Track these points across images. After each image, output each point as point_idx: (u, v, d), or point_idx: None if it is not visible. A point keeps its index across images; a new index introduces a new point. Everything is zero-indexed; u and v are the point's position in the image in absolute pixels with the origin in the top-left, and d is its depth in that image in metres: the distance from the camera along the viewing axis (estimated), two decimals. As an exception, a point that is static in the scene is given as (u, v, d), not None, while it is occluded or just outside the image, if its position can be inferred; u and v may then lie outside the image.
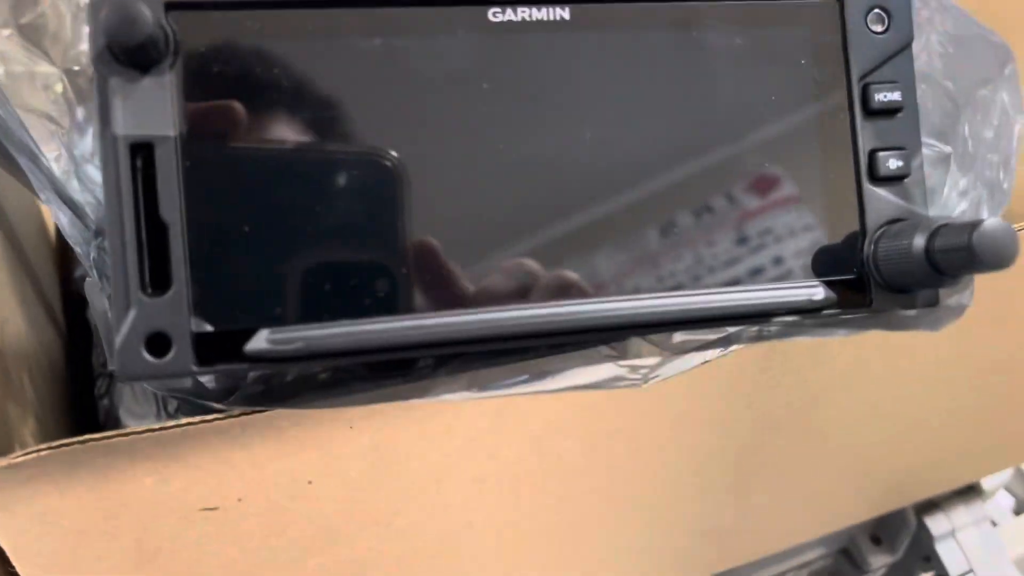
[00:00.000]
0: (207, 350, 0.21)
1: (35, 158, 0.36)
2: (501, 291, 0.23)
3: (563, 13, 0.23)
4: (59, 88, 0.43)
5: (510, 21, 0.23)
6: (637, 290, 0.24)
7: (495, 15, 0.23)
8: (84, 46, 0.43)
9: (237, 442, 0.26)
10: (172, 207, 0.21)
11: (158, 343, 0.21)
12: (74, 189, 0.41)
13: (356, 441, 0.28)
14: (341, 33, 0.22)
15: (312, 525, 0.31)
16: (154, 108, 0.21)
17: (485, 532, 0.35)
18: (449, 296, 0.23)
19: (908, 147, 0.25)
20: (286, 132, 0.22)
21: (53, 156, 0.40)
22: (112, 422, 0.38)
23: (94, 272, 0.37)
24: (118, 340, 0.21)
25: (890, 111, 0.25)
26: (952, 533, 0.59)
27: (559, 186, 0.23)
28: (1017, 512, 0.72)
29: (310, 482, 0.29)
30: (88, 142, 0.43)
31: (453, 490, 0.32)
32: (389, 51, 0.22)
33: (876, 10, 0.25)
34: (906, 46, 0.25)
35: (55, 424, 0.37)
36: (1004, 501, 0.73)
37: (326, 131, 0.22)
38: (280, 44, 0.22)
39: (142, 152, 0.21)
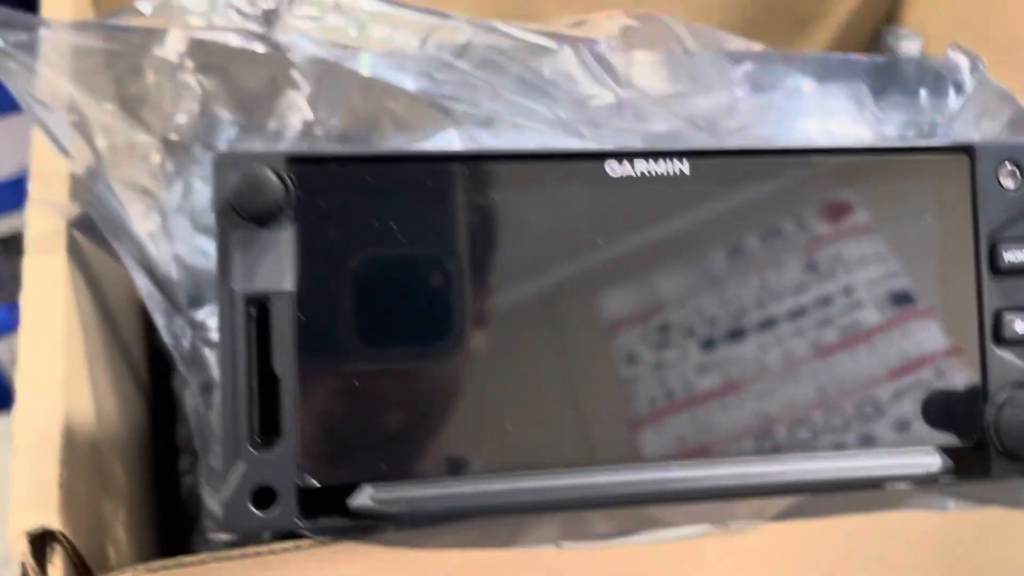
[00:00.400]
0: (311, 504, 0.21)
1: (126, 230, 0.37)
2: (613, 451, 0.22)
3: (684, 167, 0.23)
4: (156, 159, 0.44)
5: (628, 176, 0.23)
6: (755, 445, 0.23)
7: (612, 170, 0.23)
8: (183, 118, 0.44)
9: (326, 563, 0.26)
10: (285, 361, 0.21)
11: (264, 497, 0.21)
12: (163, 261, 0.42)
13: (442, 565, 0.28)
14: (456, 187, 0.22)
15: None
16: (272, 262, 0.21)
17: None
18: (552, 454, 0.22)
19: (1037, 308, 0.24)
20: (398, 286, 0.22)
21: (145, 229, 0.41)
22: (194, 500, 0.38)
23: (174, 352, 0.38)
24: (226, 493, 0.21)
25: (1019, 271, 0.24)
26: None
27: (674, 339, 0.23)
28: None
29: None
30: (181, 216, 0.43)
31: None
32: (504, 204, 0.22)
33: (1008, 165, 0.24)
34: (1039, 202, 0.24)
35: (142, 507, 0.38)
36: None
37: (439, 284, 0.22)
38: (397, 197, 0.22)
39: (258, 305, 0.21)
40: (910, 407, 0.24)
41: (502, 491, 0.22)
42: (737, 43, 0.41)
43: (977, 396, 0.24)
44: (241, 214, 0.21)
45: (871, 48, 0.71)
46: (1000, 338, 0.24)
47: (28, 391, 0.27)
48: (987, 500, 0.24)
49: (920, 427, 0.24)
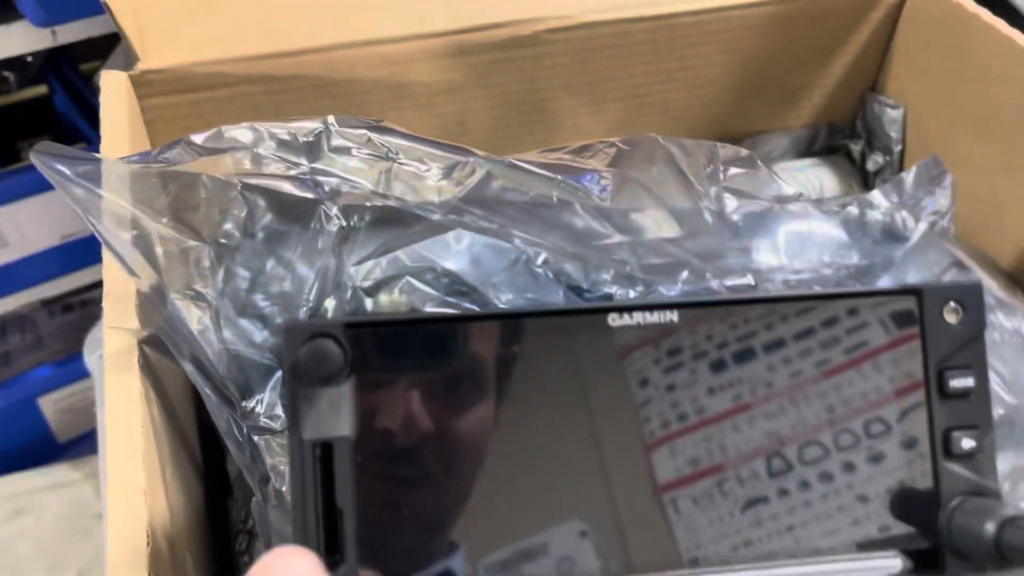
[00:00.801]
0: (371, 617, 0.26)
1: (185, 336, 0.42)
2: (615, 561, 0.27)
3: (672, 317, 0.27)
4: (206, 263, 0.49)
5: (626, 325, 0.27)
6: (740, 553, 0.27)
7: (613, 320, 0.27)
8: (229, 225, 0.49)
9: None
10: (346, 496, 0.26)
11: (333, 610, 0.25)
12: (215, 356, 0.47)
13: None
14: (483, 342, 0.26)
15: None
16: (333, 414, 0.26)
17: None
18: (583, 567, 0.26)
19: (980, 426, 0.28)
20: (441, 428, 0.26)
21: (197, 328, 0.46)
22: (251, 580, 0.42)
23: (232, 446, 0.42)
24: (300, 608, 0.25)
25: (964, 394, 0.28)
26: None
27: (673, 465, 0.27)
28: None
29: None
30: (225, 301, 0.48)
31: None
32: (528, 354, 0.27)
33: (951, 303, 0.28)
34: (979, 334, 0.28)
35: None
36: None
37: (474, 426, 0.26)
38: (437, 354, 0.26)
39: (322, 449, 0.26)
40: (875, 517, 0.28)
41: (529, 599, 0.26)
42: (725, 152, 0.45)
43: (932, 505, 0.28)
44: (307, 375, 0.25)
45: (856, 115, 0.75)
46: (950, 453, 0.28)
47: (117, 500, 0.32)
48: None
49: (883, 534, 0.28)
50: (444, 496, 0.26)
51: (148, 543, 0.31)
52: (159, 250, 0.43)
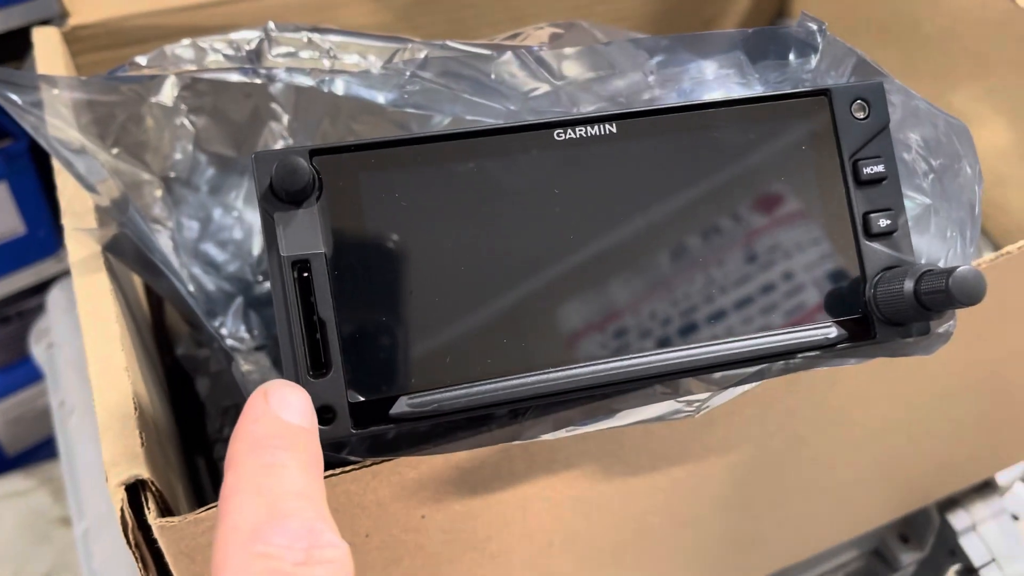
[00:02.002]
0: (360, 416, 0.28)
1: (157, 248, 0.43)
2: (578, 351, 0.29)
3: (612, 128, 0.30)
4: (159, 193, 0.50)
5: (571, 138, 0.30)
6: (689, 337, 0.30)
7: (558, 135, 0.29)
8: (178, 156, 0.50)
9: (368, 487, 0.32)
10: (326, 308, 0.27)
11: (325, 414, 0.27)
12: (186, 277, 0.48)
13: (460, 480, 0.34)
14: (443, 161, 0.29)
15: (422, 553, 0.37)
16: (308, 233, 0.27)
17: (563, 550, 0.41)
18: (541, 358, 0.29)
19: (894, 208, 0.31)
20: (407, 240, 0.28)
21: (168, 250, 0.47)
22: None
23: (217, 344, 0.43)
24: (293, 414, 0.27)
25: (877, 180, 0.31)
26: (973, 527, 0.64)
27: (619, 263, 0.30)
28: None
29: (423, 517, 0.35)
30: (182, 247, 0.49)
31: (536, 515, 0.38)
32: (481, 171, 0.29)
33: (858, 101, 0.31)
34: (884, 127, 0.31)
35: (195, 487, 0.43)
36: (1017, 488, 0.78)
37: (437, 237, 0.28)
38: (397, 173, 0.28)
39: (300, 266, 0.27)
40: (811, 295, 0.31)
41: (505, 387, 0.28)
42: (648, 40, 0.48)
43: (858, 280, 0.31)
44: (280, 197, 0.27)
45: (769, 39, 0.79)
46: (869, 233, 0.31)
47: (102, 376, 0.33)
48: (875, 355, 0.31)
49: (820, 310, 0.31)
50: (415, 302, 0.28)
51: (136, 409, 0.32)
52: (112, 182, 0.44)
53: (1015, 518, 0.71)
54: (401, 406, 0.28)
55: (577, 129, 0.30)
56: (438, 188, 0.29)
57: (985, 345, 0.45)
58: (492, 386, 0.28)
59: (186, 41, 0.43)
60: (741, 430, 0.40)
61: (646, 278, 0.30)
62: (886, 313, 0.30)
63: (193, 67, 0.43)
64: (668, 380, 0.30)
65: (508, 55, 0.34)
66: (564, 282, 0.29)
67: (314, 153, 0.28)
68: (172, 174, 0.49)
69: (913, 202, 0.34)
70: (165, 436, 0.40)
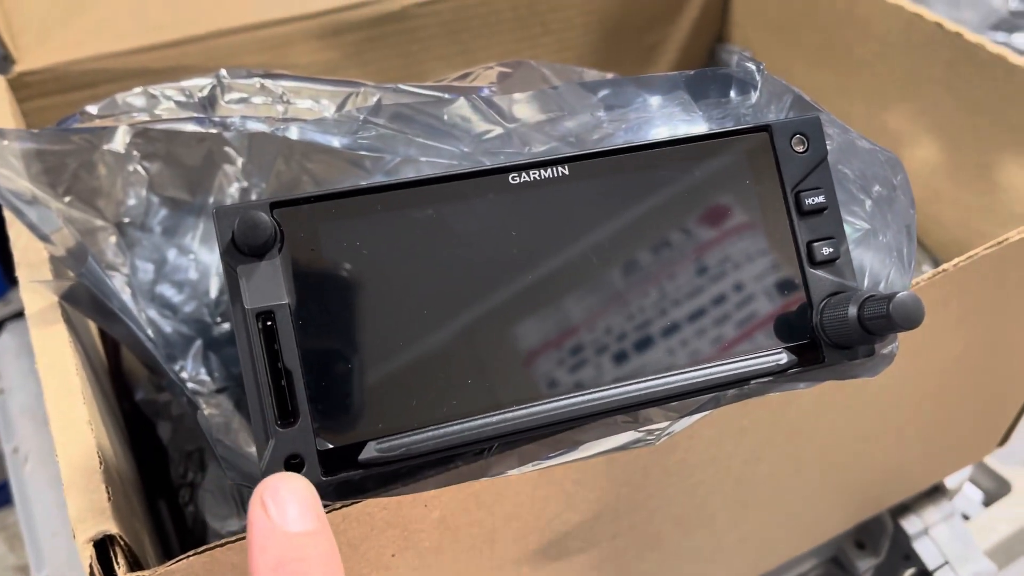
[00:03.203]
0: (330, 463, 0.28)
1: (116, 296, 0.43)
2: (540, 387, 0.30)
3: (564, 170, 0.31)
4: (113, 240, 0.50)
5: (525, 181, 0.30)
6: (647, 368, 0.31)
7: (513, 179, 0.30)
8: (132, 201, 0.50)
9: (338, 528, 0.33)
10: (292, 357, 0.28)
11: (293, 463, 0.28)
12: (144, 323, 0.48)
13: (428, 517, 0.35)
14: (401, 208, 0.29)
15: (393, 592, 0.37)
16: (271, 284, 0.28)
17: (533, 579, 0.41)
18: (504, 396, 0.29)
19: (835, 236, 0.33)
20: (369, 287, 0.29)
21: (126, 296, 0.47)
22: (200, 526, 0.43)
23: (179, 388, 0.43)
24: (263, 464, 0.27)
25: (818, 210, 0.33)
26: (925, 531, 0.66)
27: (576, 298, 0.31)
28: (986, 504, 0.79)
29: (393, 555, 0.35)
30: (139, 291, 0.49)
31: (504, 545, 0.39)
32: (439, 216, 0.30)
33: (797, 135, 0.33)
34: (823, 159, 0.33)
35: (160, 534, 0.43)
36: (974, 495, 0.80)
37: (398, 282, 0.29)
38: (356, 222, 0.29)
39: (264, 318, 0.28)
40: (760, 324, 0.32)
41: (472, 428, 0.29)
42: (592, 74, 0.50)
43: (805, 306, 0.32)
44: (242, 251, 0.28)
45: (707, 64, 0.82)
46: (813, 261, 0.33)
47: (64, 431, 0.33)
48: (824, 378, 0.33)
49: (770, 337, 0.32)
50: (379, 347, 0.29)
51: (100, 463, 0.32)
52: (64, 231, 0.44)
53: (966, 517, 0.73)
54: (370, 451, 0.28)
55: (531, 172, 0.31)
56: (398, 234, 0.29)
57: (927, 355, 0.47)
58: (459, 427, 0.29)
59: (138, 89, 0.44)
60: (700, 452, 0.41)
61: (603, 313, 0.31)
62: (833, 337, 0.32)
63: (145, 115, 0.44)
64: (629, 412, 0.31)
65: (460, 101, 0.35)
66: (524, 321, 0.30)
67: (275, 206, 0.28)
68: (126, 219, 0.49)
69: (853, 227, 0.36)
70: (129, 484, 0.40)
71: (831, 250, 0.32)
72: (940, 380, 0.52)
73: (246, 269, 0.28)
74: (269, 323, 0.28)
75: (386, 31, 0.65)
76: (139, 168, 0.47)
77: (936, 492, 0.68)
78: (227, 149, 0.47)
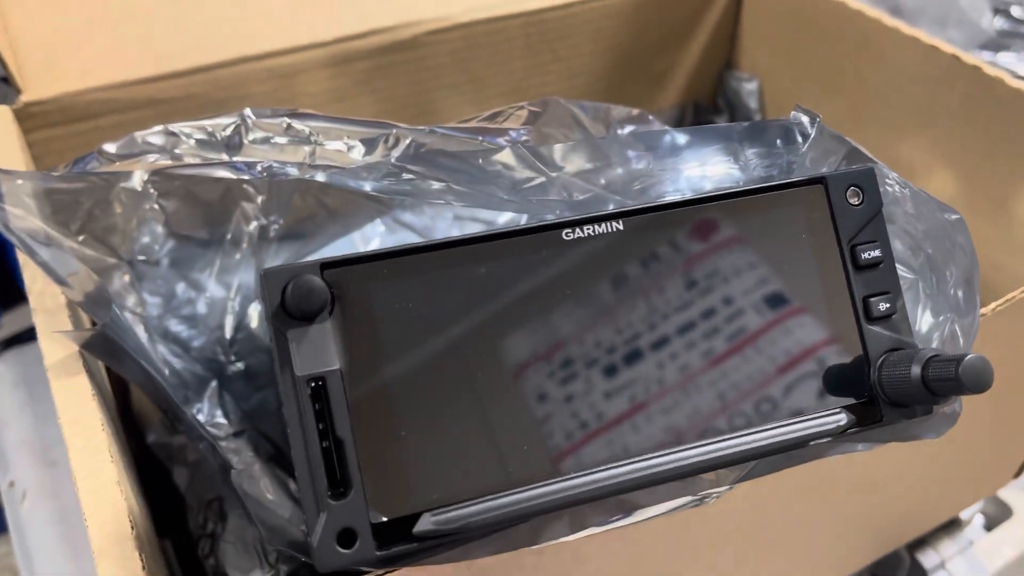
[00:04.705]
0: (384, 536, 0.27)
1: (138, 342, 0.41)
2: (597, 455, 0.29)
3: (619, 225, 0.30)
4: (127, 279, 0.49)
5: (579, 237, 0.29)
6: (707, 433, 0.30)
7: (567, 235, 0.29)
8: (146, 239, 0.48)
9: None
10: (344, 426, 0.27)
11: (347, 537, 0.26)
12: (161, 362, 0.46)
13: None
14: (454, 267, 0.28)
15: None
16: (321, 349, 0.27)
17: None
18: (565, 463, 0.28)
19: (892, 291, 0.32)
20: (423, 350, 0.28)
21: (144, 339, 0.45)
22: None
23: (197, 433, 0.42)
24: (315, 540, 0.26)
25: (874, 264, 0.32)
26: (942, 564, 0.65)
27: (633, 359, 0.30)
28: (988, 528, 0.79)
29: (432, 618, 0.34)
30: (153, 316, 0.48)
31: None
32: (492, 274, 0.28)
33: (852, 187, 0.32)
34: (878, 212, 0.32)
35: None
36: (975, 519, 0.80)
37: (452, 344, 0.28)
38: (409, 281, 0.28)
39: (316, 384, 0.27)
40: (817, 382, 0.31)
41: (531, 498, 0.28)
42: (620, 111, 0.49)
43: (862, 363, 0.32)
44: (292, 315, 0.26)
45: (716, 91, 0.81)
46: (870, 317, 0.32)
47: (93, 493, 0.31)
48: (884, 439, 0.32)
49: (826, 396, 0.31)
50: (434, 413, 0.27)
51: (132, 527, 0.31)
52: (76, 268, 0.43)
53: (970, 543, 0.73)
54: (426, 523, 0.27)
55: (586, 228, 0.30)
56: (451, 294, 0.28)
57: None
58: (517, 497, 0.28)
59: (158, 128, 0.42)
60: (737, 503, 0.40)
61: (660, 376, 0.30)
62: (891, 396, 0.31)
63: (166, 155, 0.42)
64: (691, 477, 0.30)
65: (506, 150, 0.34)
66: (584, 385, 0.29)
67: (324, 267, 0.27)
68: (140, 257, 0.47)
69: (905, 281, 0.35)
70: (151, 539, 0.39)
71: (888, 305, 0.32)
72: (964, 420, 0.51)
73: (296, 334, 0.27)
74: (319, 390, 0.27)
75: (395, 59, 0.64)
76: (156, 206, 0.46)
77: (952, 525, 0.67)
78: (246, 187, 0.46)
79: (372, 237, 0.49)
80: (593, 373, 0.29)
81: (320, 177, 0.38)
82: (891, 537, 0.61)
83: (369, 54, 0.63)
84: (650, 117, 0.47)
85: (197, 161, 0.42)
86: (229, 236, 0.48)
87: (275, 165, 0.38)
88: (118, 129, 0.57)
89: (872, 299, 0.32)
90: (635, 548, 0.38)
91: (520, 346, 0.28)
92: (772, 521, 0.46)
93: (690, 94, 0.81)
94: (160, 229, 0.47)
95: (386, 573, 0.30)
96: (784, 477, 0.41)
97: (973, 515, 0.73)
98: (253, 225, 0.48)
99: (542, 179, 0.35)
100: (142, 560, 0.30)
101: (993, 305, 0.40)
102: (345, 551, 0.26)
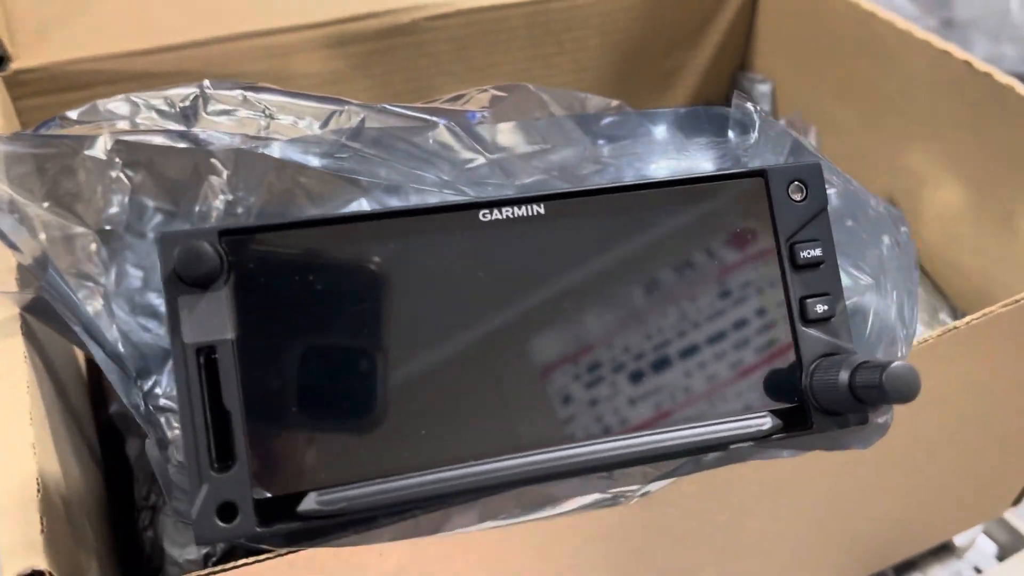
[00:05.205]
0: (266, 513, 0.26)
1: (76, 311, 0.41)
2: (503, 441, 0.28)
3: (540, 209, 0.29)
4: (93, 247, 0.49)
5: (497, 219, 0.28)
6: (622, 423, 0.28)
7: (484, 216, 0.28)
8: (114, 209, 0.48)
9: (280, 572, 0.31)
10: (232, 397, 0.26)
11: (227, 511, 0.26)
12: (111, 338, 0.46)
13: (383, 566, 0.33)
14: (361, 242, 0.27)
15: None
16: (214, 317, 0.26)
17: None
18: (462, 449, 0.27)
19: (832, 293, 0.30)
20: (320, 326, 0.27)
21: (92, 310, 0.45)
22: (158, 552, 0.42)
23: (136, 415, 0.41)
24: (194, 511, 0.25)
25: (814, 264, 0.30)
26: (930, 590, 0.63)
27: (545, 347, 0.28)
28: (1000, 558, 0.76)
29: (344, 604, 0.33)
30: (119, 299, 0.48)
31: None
32: (402, 252, 0.28)
33: (795, 182, 0.30)
34: (822, 210, 0.31)
35: (111, 561, 0.41)
36: (988, 547, 0.77)
37: (351, 322, 0.27)
38: (309, 255, 0.27)
39: (206, 353, 0.26)
40: (747, 383, 0.30)
41: (422, 484, 0.27)
42: (596, 101, 0.48)
43: (795, 368, 0.30)
44: (185, 280, 0.26)
45: (728, 92, 0.79)
46: (806, 319, 0.30)
47: (5, 455, 0.31)
48: (811, 447, 0.30)
49: (755, 398, 0.30)
50: (328, 391, 0.27)
51: (39, 491, 0.30)
52: (42, 235, 0.43)
53: (978, 571, 0.70)
54: (310, 502, 0.26)
55: (504, 210, 0.29)
56: (355, 271, 0.27)
57: (936, 411, 0.44)
58: (407, 482, 0.27)
59: (120, 96, 0.42)
60: (682, 506, 0.39)
61: (576, 365, 0.29)
62: (823, 403, 0.29)
63: (126, 123, 0.42)
64: (602, 471, 0.29)
65: (440, 128, 0.33)
66: (488, 369, 0.28)
67: (223, 234, 0.27)
68: (107, 227, 0.47)
69: (857, 282, 0.33)
70: (86, 508, 0.39)
71: (826, 308, 0.30)
72: (950, 437, 0.49)
73: (188, 300, 0.26)
74: (211, 359, 0.26)
75: (393, 44, 0.63)
76: (121, 175, 0.45)
77: (944, 550, 0.64)
78: (213, 161, 0.46)
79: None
80: (500, 359, 0.28)
81: (272, 149, 0.38)
82: (874, 556, 0.59)
83: (366, 37, 0.62)
84: (627, 109, 0.46)
85: (155, 129, 0.41)
86: (197, 209, 0.48)
87: (223, 135, 0.37)
88: (109, 101, 0.57)
89: (809, 300, 0.30)
90: (568, 548, 0.37)
91: (424, 328, 0.27)
92: (729, 531, 0.44)
93: (701, 94, 0.79)
94: (126, 200, 0.47)
95: (289, 553, 0.30)
96: (734, 483, 0.40)
97: (974, 538, 0.70)
98: (220, 199, 0.48)
99: (481, 159, 0.34)
100: (43, 524, 0.29)
101: (969, 318, 0.38)
102: (225, 525, 0.25)
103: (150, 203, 0.47)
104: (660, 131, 0.33)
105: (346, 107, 0.39)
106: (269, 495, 0.26)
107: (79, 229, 0.47)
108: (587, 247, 0.29)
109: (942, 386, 0.41)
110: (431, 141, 0.34)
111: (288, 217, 0.27)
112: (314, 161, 0.37)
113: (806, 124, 0.64)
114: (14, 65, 0.54)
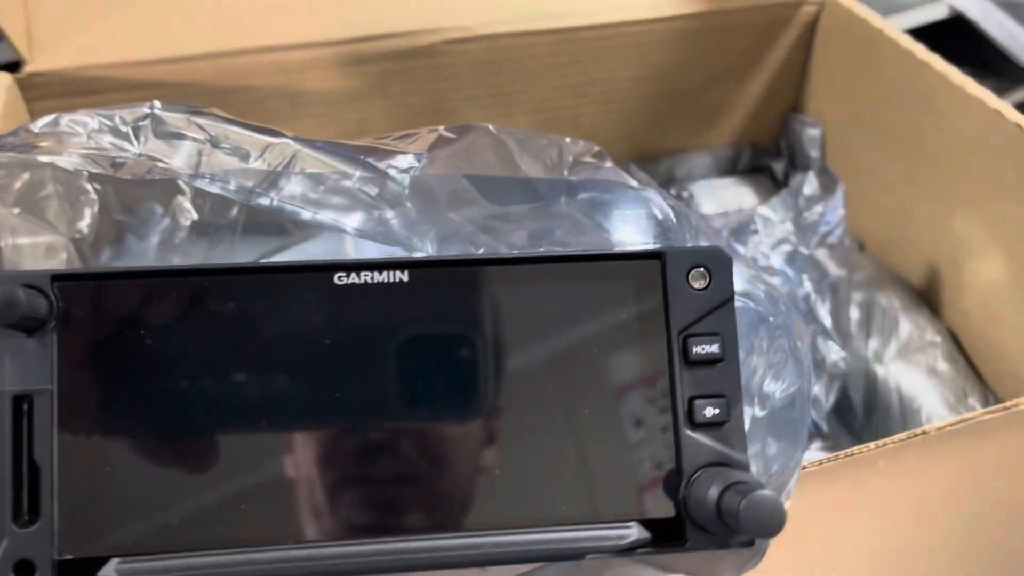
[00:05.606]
0: (66, 575, 0.25)
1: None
2: (340, 526, 0.26)
3: (402, 276, 0.27)
4: (64, 256, 0.49)
5: (353, 283, 0.26)
6: (467, 519, 0.26)
7: (339, 279, 0.26)
8: (86, 220, 0.49)
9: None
10: (44, 451, 0.25)
11: (25, 569, 0.25)
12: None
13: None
14: (199, 298, 0.26)
15: None
16: (36, 365, 0.25)
17: None
18: (280, 529, 0.25)
19: (728, 395, 0.27)
20: (146, 384, 0.26)
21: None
22: None
23: None
24: (-10, 566, 0.24)
25: (710, 361, 0.27)
26: None
27: (389, 429, 0.26)
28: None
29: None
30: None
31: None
32: (241, 313, 0.26)
33: (697, 268, 0.27)
34: (727, 301, 0.27)
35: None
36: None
37: (180, 385, 0.26)
38: (146, 308, 0.26)
39: (23, 402, 0.25)
40: (619, 487, 0.27)
41: (230, 562, 0.25)
42: (575, 147, 0.45)
43: (672, 475, 0.27)
44: (5, 323, 0.25)
45: (777, 133, 0.75)
46: (693, 422, 0.27)
47: None
48: (676, 567, 0.27)
49: (629, 502, 0.27)
50: (146, 455, 0.25)
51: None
52: (7, 240, 0.43)
53: None
54: (109, 570, 0.25)
55: (363, 274, 0.27)
56: (190, 329, 0.26)
57: (934, 510, 0.40)
58: (218, 559, 0.25)
59: (82, 112, 0.42)
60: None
61: (419, 451, 0.26)
62: (699, 519, 0.26)
63: (83, 138, 0.42)
64: (425, 570, 0.26)
65: (357, 177, 0.31)
66: (321, 448, 0.26)
67: (56, 278, 0.25)
68: (77, 236, 0.48)
69: (788, 392, 0.30)
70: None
71: (717, 411, 0.27)
72: (948, 538, 0.44)
73: (10, 344, 0.25)
74: (27, 409, 0.25)
75: (410, 65, 0.62)
76: (88, 187, 0.46)
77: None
78: (178, 182, 0.45)
79: (334, 252, 0.48)
80: (335, 435, 0.26)
81: (201, 183, 0.37)
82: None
83: (382, 57, 0.61)
84: (606, 157, 0.43)
85: (111, 150, 0.41)
86: (166, 225, 0.48)
87: (159, 166, 0.36)
88: (120, 107, 0.58)
89: (699, 401, 0.27)
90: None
91: (253, 396, 0.26)
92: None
93: (749, 134, 0.75)
94: (96, 211, 0.47)
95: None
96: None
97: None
98: (188, 220, 0.47)
99: (391, 213, 0.32)
100: None
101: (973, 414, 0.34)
102: (18, 585, 0.24)
103: (116, 218, 0.47)
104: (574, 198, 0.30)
105: (281, 140, 0.37)
106: (71, 556, 0.25)
107: (50, 237, 0.48)
108: (449, 323, 0.27)
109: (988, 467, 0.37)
110: (354, 187, 0.32)
111: (126, 268, 0.25)
112: (237, 198, 0.36)
113: (832, 179, 0.59)
114: (29, 68, 0.55)
